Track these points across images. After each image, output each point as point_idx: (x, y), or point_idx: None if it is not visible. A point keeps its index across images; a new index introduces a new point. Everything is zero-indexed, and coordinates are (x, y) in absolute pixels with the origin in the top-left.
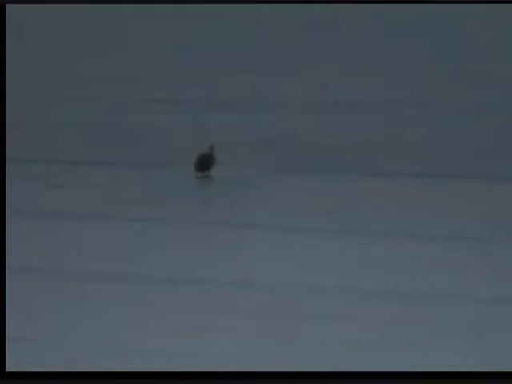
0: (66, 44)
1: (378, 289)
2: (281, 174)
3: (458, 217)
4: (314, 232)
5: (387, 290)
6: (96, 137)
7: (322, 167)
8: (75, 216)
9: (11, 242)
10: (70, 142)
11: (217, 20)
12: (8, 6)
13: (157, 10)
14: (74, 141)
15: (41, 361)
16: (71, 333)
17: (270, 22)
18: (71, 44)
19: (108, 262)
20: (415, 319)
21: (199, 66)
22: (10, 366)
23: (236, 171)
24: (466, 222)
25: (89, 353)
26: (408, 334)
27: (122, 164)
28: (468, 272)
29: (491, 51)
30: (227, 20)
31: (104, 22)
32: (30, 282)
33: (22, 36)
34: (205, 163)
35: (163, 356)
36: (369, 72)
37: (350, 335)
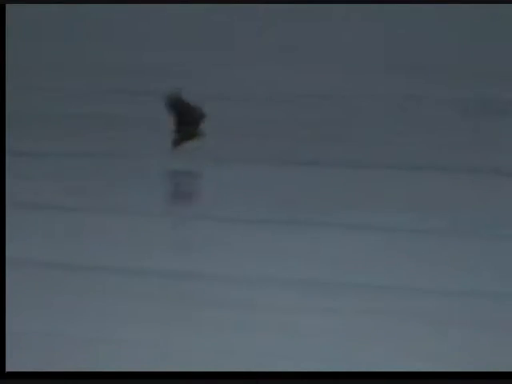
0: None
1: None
2: (243, 165)
3: (439, 209)
4: (272, 224)
5: (357, 282)
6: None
7: (282, 158)
8: (70, 207)
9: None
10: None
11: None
12: (8, 6)
13: (153, 6)
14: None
15: (42, 356)
16: (69, 327)
17: (256, 15)
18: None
19: (102, 254)
20: (404, 315)
21: (180, 57)
22: (10, 365)
23: (195, 162)
24: (452, 214)
25: (89, 348)
26: (395, 328)
27: (107, 154)
28: (456, 266)
29: (478, 48)
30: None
31: (98, 16)
32: (27, 275)
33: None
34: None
35: (164, 351)
36: (340, 64)
37: (329, 329)
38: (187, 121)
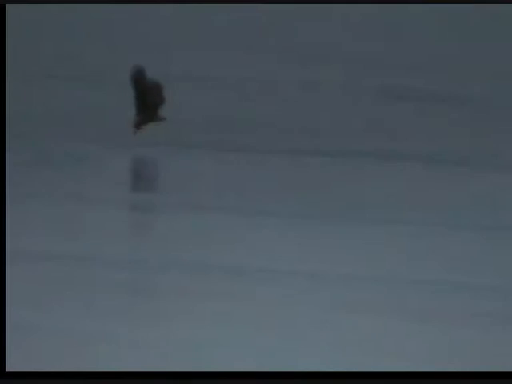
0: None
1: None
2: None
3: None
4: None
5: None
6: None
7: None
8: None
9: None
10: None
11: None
12: (8, 6)
13: (154, 6)
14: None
15: (42, 356)
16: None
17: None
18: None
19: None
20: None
21: (181, 57)
22: (10, 365)
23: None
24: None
25: (90, 347)
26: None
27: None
28: (456, 261)
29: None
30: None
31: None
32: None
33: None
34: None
35: (165, 351)
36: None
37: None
38: (148, 102)
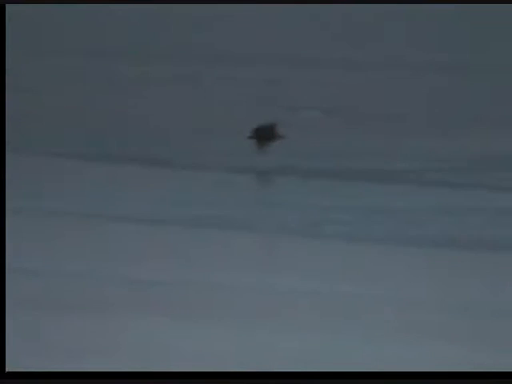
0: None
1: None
2: None
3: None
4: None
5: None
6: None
7: None
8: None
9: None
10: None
11: None
12: (8, 6)
13: (155, 6)
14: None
15: (42, 359)
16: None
17: None
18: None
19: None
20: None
21: (181, 57)
22: (10, 365)
23: None
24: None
25: (90, 348)
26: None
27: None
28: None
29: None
30: None
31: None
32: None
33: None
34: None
35: (165, 351)
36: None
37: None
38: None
